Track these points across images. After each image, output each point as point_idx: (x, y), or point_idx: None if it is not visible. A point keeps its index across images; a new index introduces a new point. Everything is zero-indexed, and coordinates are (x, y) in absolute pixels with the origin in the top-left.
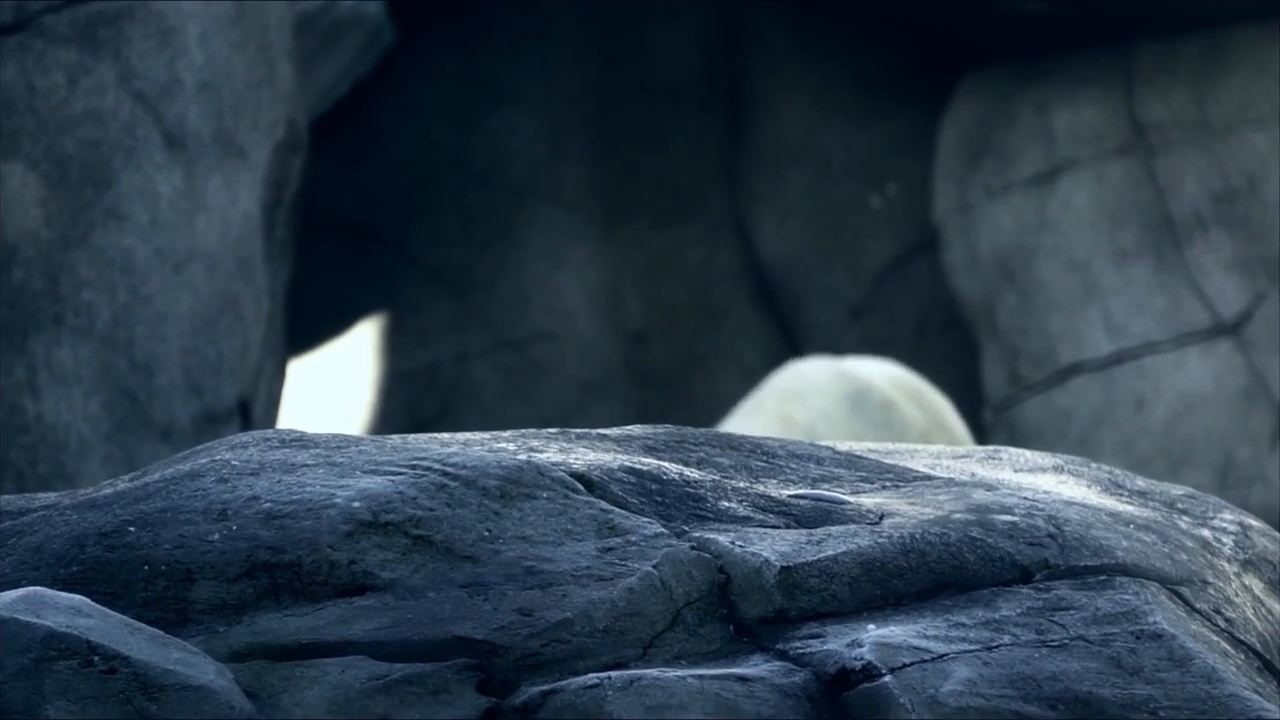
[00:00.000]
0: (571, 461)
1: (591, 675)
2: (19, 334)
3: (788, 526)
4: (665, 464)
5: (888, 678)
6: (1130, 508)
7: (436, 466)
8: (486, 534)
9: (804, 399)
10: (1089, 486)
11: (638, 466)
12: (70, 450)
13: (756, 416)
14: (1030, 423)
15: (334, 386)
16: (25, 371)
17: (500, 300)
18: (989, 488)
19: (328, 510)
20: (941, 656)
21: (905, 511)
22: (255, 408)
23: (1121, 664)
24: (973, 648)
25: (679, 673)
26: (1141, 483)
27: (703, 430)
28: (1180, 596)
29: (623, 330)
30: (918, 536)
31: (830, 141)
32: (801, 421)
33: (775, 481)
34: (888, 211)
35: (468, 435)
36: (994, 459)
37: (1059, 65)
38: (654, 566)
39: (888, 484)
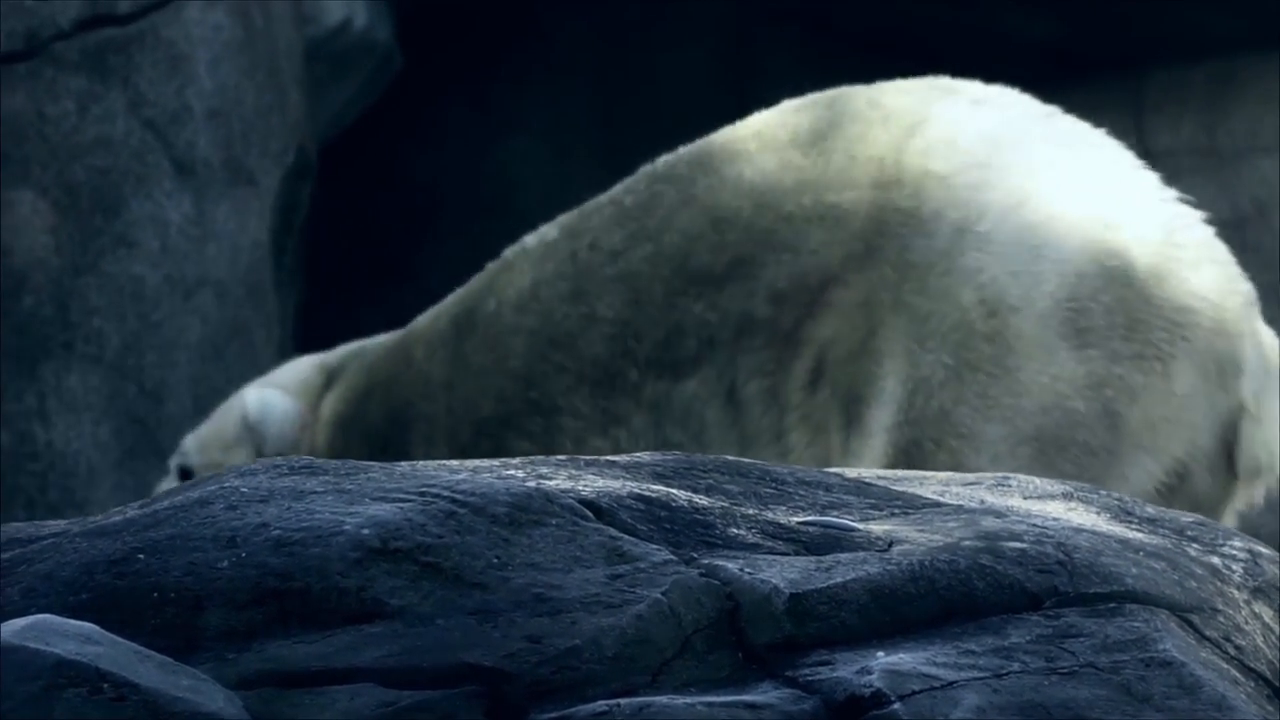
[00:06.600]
0: (580, 488)
1: (600, 702)
2: (29, 361)
3: (796, 553)
4: (674, 491)
5: (897, 705)
6: (1139, 535)
7: (445, 494)
8: (495, 561)
9: None
10: (1098, 513)
11: (646, 493)
12: (80, 477)
13: None
14: None
15: None
16: (35, 399)
17: None
18: (998, 515)
19: (336, 537)
20: (951, 684)
21: (914, 539)
22: None
23: (1131, 691)
24: (982, 675)
25: (688, 700)
26: (1151, 510)
27: (711, 457)
28: (1190, 624)
29: None
30: (927, 564)
31: None
32: None
33: (784, 508)
34: None
35: (476, 462)
36: (1003, 486)
37: (1067, 94)
38: (663, 593)
39: (896, 511)
